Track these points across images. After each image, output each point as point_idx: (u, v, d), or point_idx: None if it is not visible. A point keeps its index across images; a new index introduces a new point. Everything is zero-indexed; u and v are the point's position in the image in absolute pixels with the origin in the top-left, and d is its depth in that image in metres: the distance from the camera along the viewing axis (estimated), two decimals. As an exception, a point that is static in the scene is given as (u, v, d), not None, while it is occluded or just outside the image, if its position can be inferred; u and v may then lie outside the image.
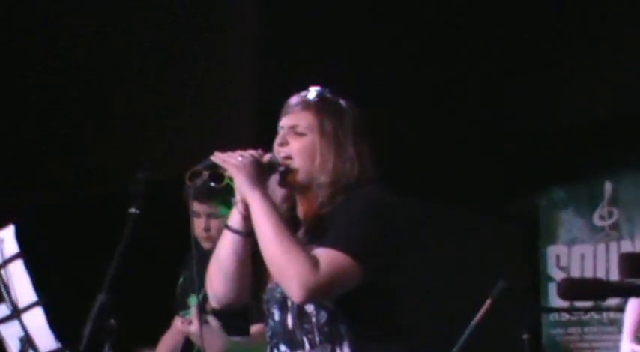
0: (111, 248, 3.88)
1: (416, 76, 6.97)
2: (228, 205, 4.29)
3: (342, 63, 6.44)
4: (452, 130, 7.15)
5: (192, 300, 4.42)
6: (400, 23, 6.93)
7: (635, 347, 3.98)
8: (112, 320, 4.12)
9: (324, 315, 3.11)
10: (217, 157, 3.11)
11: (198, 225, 4.40)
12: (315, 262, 2.98)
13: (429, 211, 6.63)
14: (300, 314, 3.13)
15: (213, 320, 4.01)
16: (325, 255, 3.00)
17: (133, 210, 3.93)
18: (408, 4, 6.93)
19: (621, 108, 6.88)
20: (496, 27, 7.05)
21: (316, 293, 3.00)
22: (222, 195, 4.16)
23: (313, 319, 3.12)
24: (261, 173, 3.10)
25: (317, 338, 3.12)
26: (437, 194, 6.84)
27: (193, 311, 4.03)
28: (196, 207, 4.32)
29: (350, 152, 3.13)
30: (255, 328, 4.26)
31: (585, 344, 7.25)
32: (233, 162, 3.07)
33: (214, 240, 4.28)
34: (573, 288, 1.96)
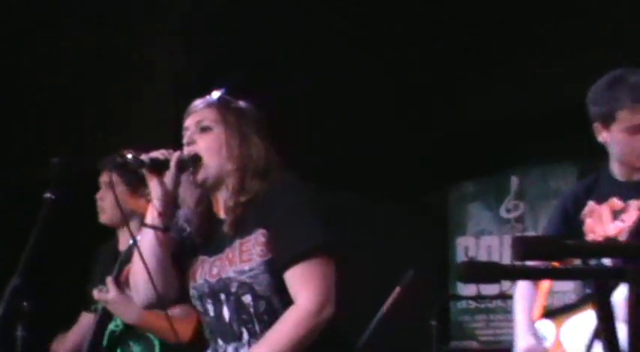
0: (26, 233, 3.82)
1: (340, 72, 6.97)
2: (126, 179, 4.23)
3: (258, 63, 6.44)
4: (372, 126, 7.18)
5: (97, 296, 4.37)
6: (321, 25, 6.92)
7: (532, 340, 3.93)
8: (25, 303, 4.07)
9: (262, 305, 3.10)
10: None
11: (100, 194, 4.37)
12: (293, 321, 3.03)
13: (344, 200, 6.65)
14: (238, 307, 3.12)
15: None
16: (296, 283, 3.04)
17: (48, 195, 3.87)
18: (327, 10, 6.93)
19: (526, 107, 6.98)
20: (412, 29, 7.08)
21: (326, 308, 3.05)
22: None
23: (251, 310, 3.11)
24: None
25: (257, 328, 3.11)
26: (353, 185, 6.86)
27: (109, 280, 3.97)
28: (104, 177, 4.29)
29: (254, 139, 3.17)
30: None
31: (490, 331, 7.36)
32: None
33: (105, 210, 4.35)
34: (469, 271, 1.95)
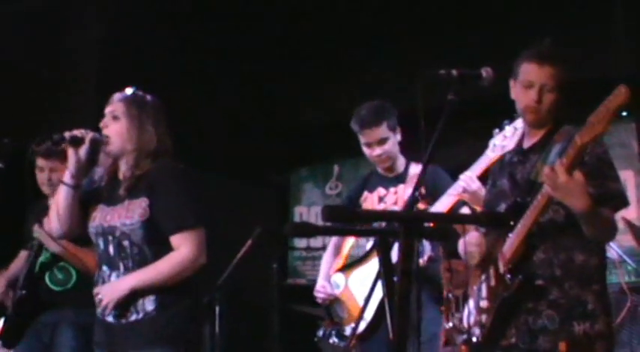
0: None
1: (211, 76, 6.86)
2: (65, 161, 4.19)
3: (157, 64, 6.28)
4: (243, 124, 7.13)
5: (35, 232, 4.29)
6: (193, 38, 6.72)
7: (326, 284, 4.10)
8: None
9: (135, 249, 3.12)
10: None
11: (42, 176, 4.29)
12: (174, 259, 3.03)
13: (217, 179, 6.61)
14: (119, 247, 3.12)
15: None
16: (180, 241, 3.05)
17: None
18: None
19: (346, 115, 7.02)
20: (271, 38, 6.92)
21: (201, 257, 3.07)
22: (61, 154, 4.06)
23: (128, 251, 3.13)
24: None
25: (130, 264, 3.13)
26: (224, 170, 6.82)
27: (45, 221, 3.92)
28: (42, 163, 4.25)
29: (149, 129, 3.17)
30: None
31: (315, 272, 7.33)
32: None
33: (53, 186, 4.18)
34: (292, 229, 2.02)
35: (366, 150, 3.97)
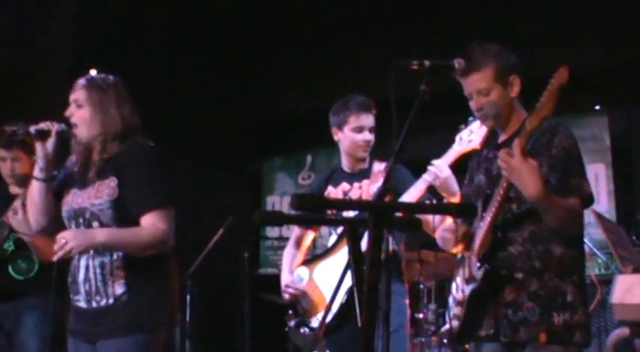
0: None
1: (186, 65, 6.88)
2: (27, 151, 4.16)
3: (131, 43, 6.26)
4: (217, 113, 7.14)
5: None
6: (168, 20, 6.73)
7: (293, 278, 4.08)
8: None
9: None
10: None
11: (5, 167, 4.26)
12: (151, 231, 2.99)
13: (191, 168, 6.62)
14: (89, 228, 3.08)
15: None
16: (154, 219, 3.00)
17: None
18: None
19: (320, 105, 7.06)
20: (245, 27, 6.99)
21: (171, 238, 3.02)
22: (22, 144, 4.06)
23: None
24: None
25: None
26: (200, 160, 6.83)
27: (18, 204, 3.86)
28: (3, 153, 4.22)
29: (112, 112, 3.14)
30: None
31: None
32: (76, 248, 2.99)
33: (16, 177, 4.23)
34: (260, 218, 2.01)
35: (355, 135, 3.93)
